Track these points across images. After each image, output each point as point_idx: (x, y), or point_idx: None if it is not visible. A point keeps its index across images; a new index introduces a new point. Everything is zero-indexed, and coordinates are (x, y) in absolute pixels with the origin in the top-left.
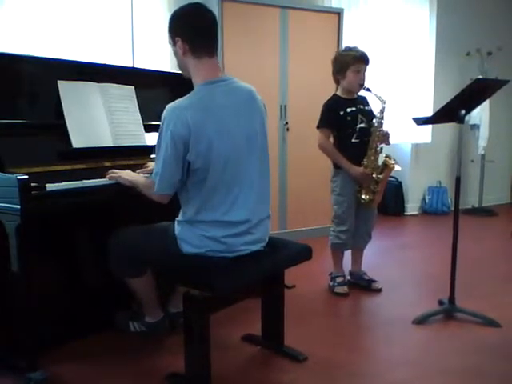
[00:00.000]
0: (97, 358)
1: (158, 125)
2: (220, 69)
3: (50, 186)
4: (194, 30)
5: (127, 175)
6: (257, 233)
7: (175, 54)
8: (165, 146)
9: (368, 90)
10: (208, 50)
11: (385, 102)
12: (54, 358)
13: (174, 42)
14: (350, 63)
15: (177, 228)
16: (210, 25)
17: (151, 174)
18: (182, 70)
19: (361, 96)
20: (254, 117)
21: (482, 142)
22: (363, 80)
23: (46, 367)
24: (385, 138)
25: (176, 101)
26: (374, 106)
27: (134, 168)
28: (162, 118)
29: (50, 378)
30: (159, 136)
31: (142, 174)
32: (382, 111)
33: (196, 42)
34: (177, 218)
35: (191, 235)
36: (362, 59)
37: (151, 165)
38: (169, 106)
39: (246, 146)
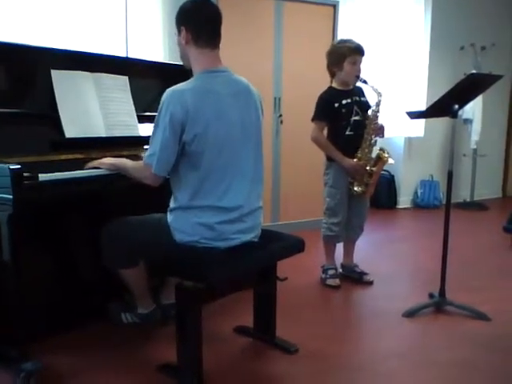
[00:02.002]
0: (89, 349)
1: (152, 115)
2: (220, 61)
3: (42, 176)
4: (198, 20)
5: (110, 159)
6: (248, 221)
7: (179, 44)
8: (163, 128)
9: (364, 81)
10: (210, 42)
11: (381, 95)
12: (47, 349)
13: (178, 32)
14: (347, 54)
15: (169, 217)
16: (214, 18)
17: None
18: (183, 60)
19: (357, 87)
20: (249, 108)
21: (475, 137)
22: (359, 71)
23: (38, 357)
24: (379, 131)
25: (176, 85)
26: (370, 99)
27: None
28: (162, 100)
29: (42, 368)
30: (157, 118)
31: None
32: (377, 104)
33: (199, 33)
34: (169, 207)
35: (184, 223)
36: (358, 51)
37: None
38: (169, 89)
39: (242, 134)
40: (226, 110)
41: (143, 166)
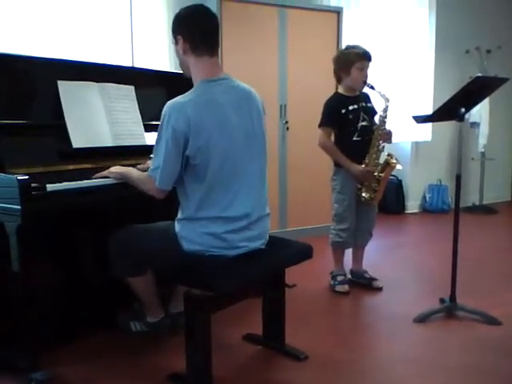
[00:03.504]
0: (98, 358)
1: (158, 124)
2: (221, 68)
3: (50, 187)
4: (195, 28)
5: (118, 168)
6: (256, 229)
7: (177, 53)
8: (165, 141)
9: (372, 87)
10: (208, 49)
11: (388, 101)
12: (56, 358)
13: (176, 41)
14: (355, 60)
15: (177, 226)
16: (211, 25)
17: (146, 170)
18: (182, 69)
19: (363, 93)
20: (252, 115)
21: (482, 140)
22: (366, 77)
23: (47, 367)
24: (387, 136)
25: (176, 97)
26: (377, 104)
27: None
28: (163, 113)
29: (51, 378)
30: (159, 131)
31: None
32: (385, 110)
33: (196, 41)
34: (176, 217)
35: (191, 232)
36: (365, 56)
37: (149, 163)
38: (169, 102)
39: (245, 143)
40: (229, 120)
41: (148, 179)
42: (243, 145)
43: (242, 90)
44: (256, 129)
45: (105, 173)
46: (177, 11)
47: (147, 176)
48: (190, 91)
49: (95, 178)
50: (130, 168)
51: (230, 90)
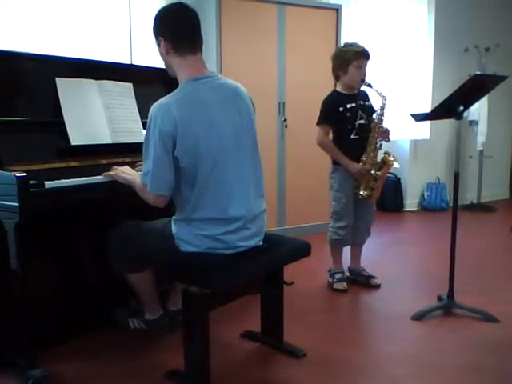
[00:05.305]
0: (97, 356)
1: None
2: (205, 65)
3: (48, 184)
4: (175, 28)
5: (124, 172)
6: (253, 228)
7: (160, 53)
8: (153, 144)
9: (369, 85)
10: (191, 48)
11: (386, 99)
12: (54, 356)
13: (158, 42)
14: (353, 59)
15: (173, 228)
16: (191, 22)
17: None
18: (168, 70)
19: (361, 91)
20: (240, 112)
21: (481, 138)
22: (364, 75)
23: (46, 365)
24: (385, 134)
25: (161, 98)
26: (375, 102)
27: (131, 165)
28: (149, 116)
29: (50, 375)
30: (147, 134)
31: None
32: (382, 108)
33: (178, 40)
34: (173, 217)
35: (188, 234)
36: (363, 54)
37: None
38: (155, 104)
39: (235, 141)
40: (216, 120)
41: (144, 187)
42: (233, 144)
43: (228, 87)
44: (246, 126)
45: (112, 173)
46: None
47: (144, 184)
48: (175, 91)
49: (103, 176)
50: (135, 174)
51: (217, 87)
